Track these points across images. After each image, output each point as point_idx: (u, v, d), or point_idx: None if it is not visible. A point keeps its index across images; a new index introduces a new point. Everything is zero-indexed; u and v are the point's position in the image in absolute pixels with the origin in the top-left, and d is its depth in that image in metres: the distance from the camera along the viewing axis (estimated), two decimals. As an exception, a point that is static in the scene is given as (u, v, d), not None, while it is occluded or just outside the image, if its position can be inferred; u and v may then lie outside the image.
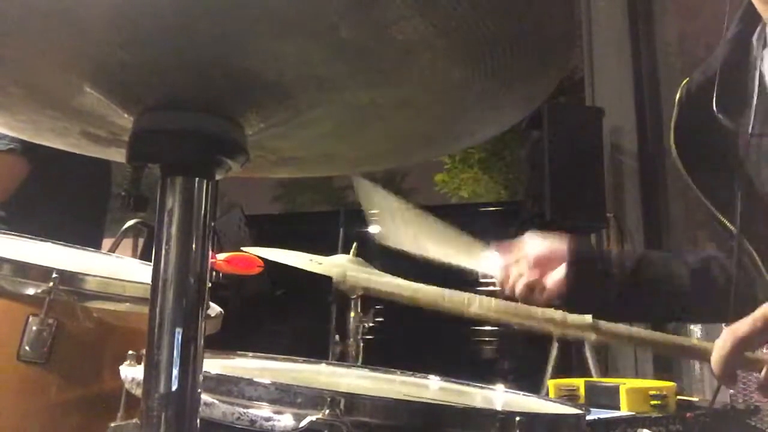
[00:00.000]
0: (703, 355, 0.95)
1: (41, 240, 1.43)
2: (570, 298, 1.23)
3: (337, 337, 1.89)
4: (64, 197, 2.04)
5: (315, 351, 1.33)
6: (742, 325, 0.90)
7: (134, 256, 2.69)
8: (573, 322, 0.97)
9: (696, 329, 2.61)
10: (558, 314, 0.98)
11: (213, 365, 0.90)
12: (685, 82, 1.24)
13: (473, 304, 1.01)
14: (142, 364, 0.66)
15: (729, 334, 0.90)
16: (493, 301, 1.02)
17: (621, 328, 1.00)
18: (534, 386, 3.08)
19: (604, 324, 0.97)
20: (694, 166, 1.22)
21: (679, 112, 1.24)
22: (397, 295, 1.05)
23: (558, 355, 3.52)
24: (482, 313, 1.01)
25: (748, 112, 1.09)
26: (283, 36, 0.45)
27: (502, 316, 1.02)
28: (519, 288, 1.27)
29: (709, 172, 1.21)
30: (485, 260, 1.30)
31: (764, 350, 0.95)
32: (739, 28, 1.15)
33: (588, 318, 0.96)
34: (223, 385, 0.76)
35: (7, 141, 1.89)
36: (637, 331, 1.01)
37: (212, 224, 0.56)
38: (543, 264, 1.27)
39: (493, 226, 5.73)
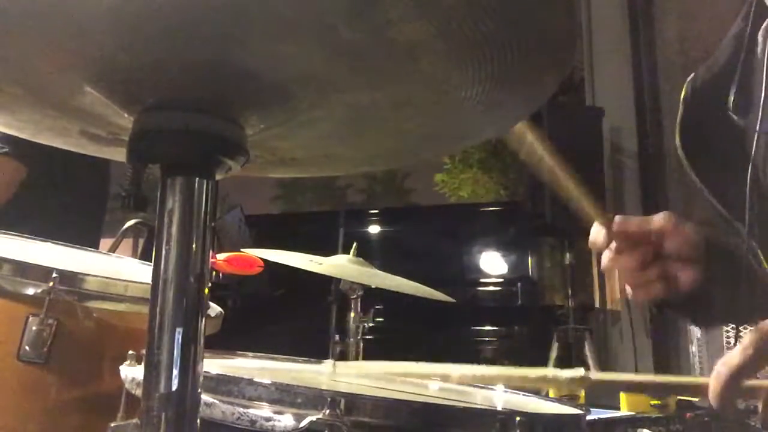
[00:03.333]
0: (701, 391, 0.93)
1: (41, 240, 1.43)
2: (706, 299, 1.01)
3: (337, 337, 1.89)
4: (61, 198, 2.04)
5: (315, 351, 1.33)
6: (734, 356, 0.89)
7: (134, 256, 2.68)
8: (565, 378, 0.97)
9: (696, 331, 2.60)
10: (550, 371, 0.98)
11: (213, 365, 0.90)
12: (689, 79, 1.22)
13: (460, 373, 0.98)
14: (142, 364, 0.66)
15: (722, 366, 0.89)
16: (484, 369, 1.00)
17: (613, 375, 1.00)
18: (534, 386, 3.07)
19: (595, 375, 0.97)
20: (701, 164, 1.19)
21: (685, 110, 1.22)
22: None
23: (558, 354, 3.52)
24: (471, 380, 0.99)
25: (755, 108, 1.07)
26: (283, 36, 0.45)
27: (495, 381, 0.99)
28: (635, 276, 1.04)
29: (716, 170, 1.18)
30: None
31: None
32: (743, 24, 1.14)
33: (580, 371, 0.96)
34: (223, 385, 0.76)
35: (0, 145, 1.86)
36: (631, 376, 1.02)
37: (212, 224, 0.56)
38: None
39: (493, 226, 5.74)
